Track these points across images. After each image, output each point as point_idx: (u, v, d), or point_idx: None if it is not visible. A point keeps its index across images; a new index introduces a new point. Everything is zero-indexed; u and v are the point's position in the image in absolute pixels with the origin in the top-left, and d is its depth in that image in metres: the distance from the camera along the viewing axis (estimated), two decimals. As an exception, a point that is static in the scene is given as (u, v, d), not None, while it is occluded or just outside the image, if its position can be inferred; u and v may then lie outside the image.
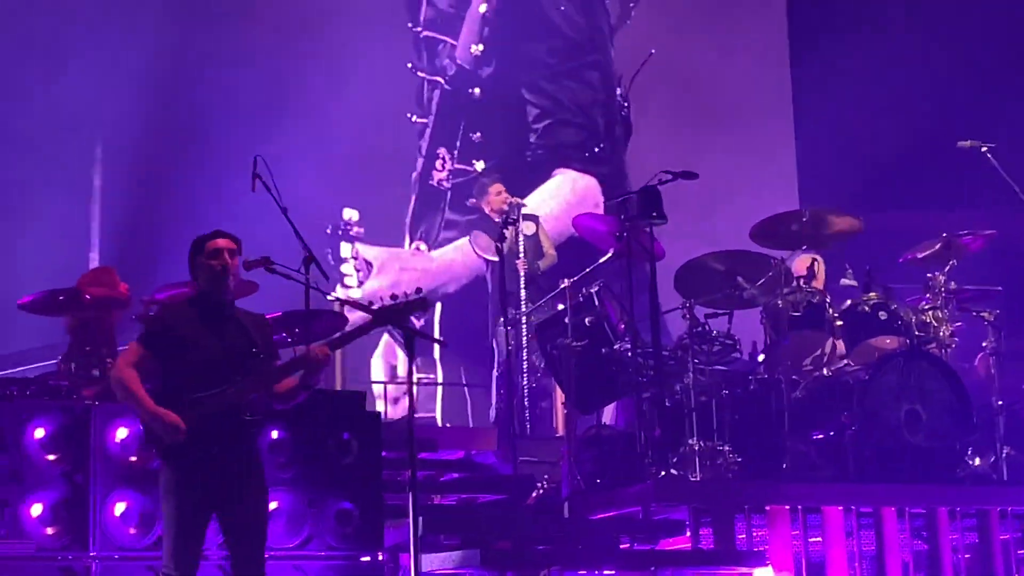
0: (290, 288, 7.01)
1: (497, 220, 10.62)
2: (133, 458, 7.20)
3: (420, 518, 6.66)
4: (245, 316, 6.49)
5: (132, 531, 7.13)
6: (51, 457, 7.16)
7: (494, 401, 10.85)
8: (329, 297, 7.46)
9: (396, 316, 6.46)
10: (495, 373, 10.82)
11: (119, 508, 7.13)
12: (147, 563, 7.10)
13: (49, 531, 7.09)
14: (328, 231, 12.31)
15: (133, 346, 6.45)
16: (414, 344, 6.55)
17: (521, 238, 10.74)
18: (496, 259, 10.47)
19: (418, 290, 6.51)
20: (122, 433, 7.19)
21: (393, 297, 6.47)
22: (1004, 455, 8.78)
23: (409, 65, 13.09)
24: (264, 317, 6.66)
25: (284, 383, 6.43)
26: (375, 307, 6.50)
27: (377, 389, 11.81)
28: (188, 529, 6.19)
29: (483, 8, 13.10)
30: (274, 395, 6.42)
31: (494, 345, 10.78)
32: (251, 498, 6.31)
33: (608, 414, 10.10)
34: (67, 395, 7.68)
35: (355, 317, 8.22)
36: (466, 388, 12.18)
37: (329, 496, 7.46)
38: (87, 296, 8.44)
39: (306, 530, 7.38)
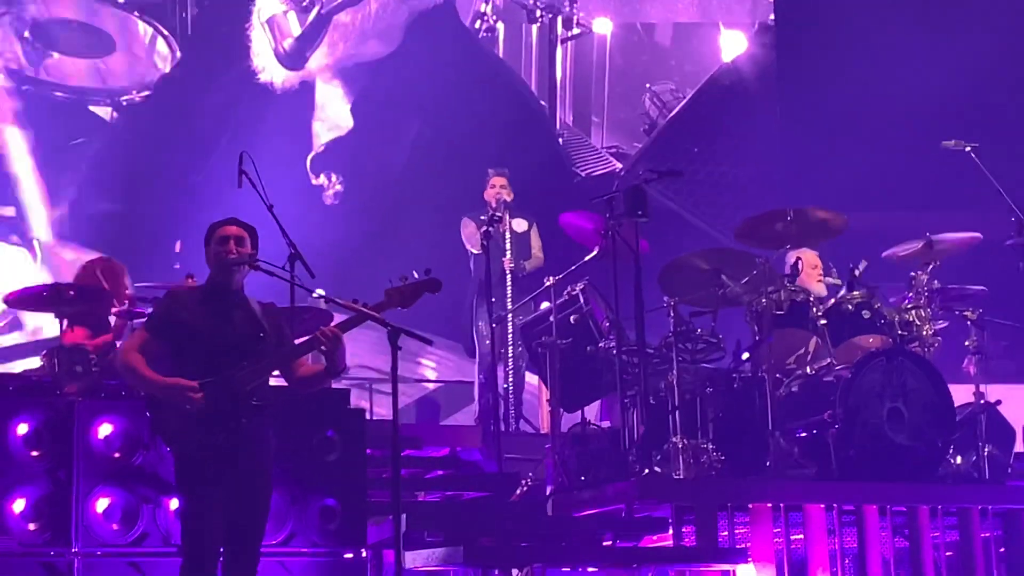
0: (275, 285, 7.03)
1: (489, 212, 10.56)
2: (116, 454, 7.21)
3: (403, 515, 6.68)
4: (254, 304, 6.51)
5: (115, 527, 7.14)
6: (34, 453, 7.17)
7: (477, 398, 10.84)
8: (314, 295, 7.45)
9: (407, 297, 6.44)
10: (477, 370, 10.81)
11: (101, 504, 7.14)
12: (129, 559, 7.12)
13: (31, 527, 7.10)
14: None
15: (139, 332, 6.52)
16: (397, 341, 6.53)
17: (508, 235, 10.71)
18: (478, 252, 10.43)
19: (427, 271, 6.49)
20: (105, 429, 7.20)
21: (403, 279, 6.45)
22: (985, 454, 8.82)
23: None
24: (274, 305, 6.66)
25: (306, 369, 6.49)
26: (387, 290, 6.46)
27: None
28: (202, 522, 6.23)
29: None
30: (297, 380, 6.47)
31: (475, 342, 10.76)
32: (256, 490, 6.36)
33: (592, 412, 10.12)
34: (50, 391, 7.68)
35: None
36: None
37: (312, 493, 7.47)
38: (70, 292, 8.45)
39: (289, 527, 7.39)
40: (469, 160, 11.32)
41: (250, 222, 6.60)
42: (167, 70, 13.00)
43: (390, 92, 13.24)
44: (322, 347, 6.34)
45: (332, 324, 6.49)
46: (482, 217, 10.54)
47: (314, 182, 13.11)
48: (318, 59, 13.25)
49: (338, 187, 13.13)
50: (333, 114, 13.30)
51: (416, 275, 6.45)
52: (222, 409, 6.24)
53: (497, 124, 12.96)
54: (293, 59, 13.30)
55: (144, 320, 6.80)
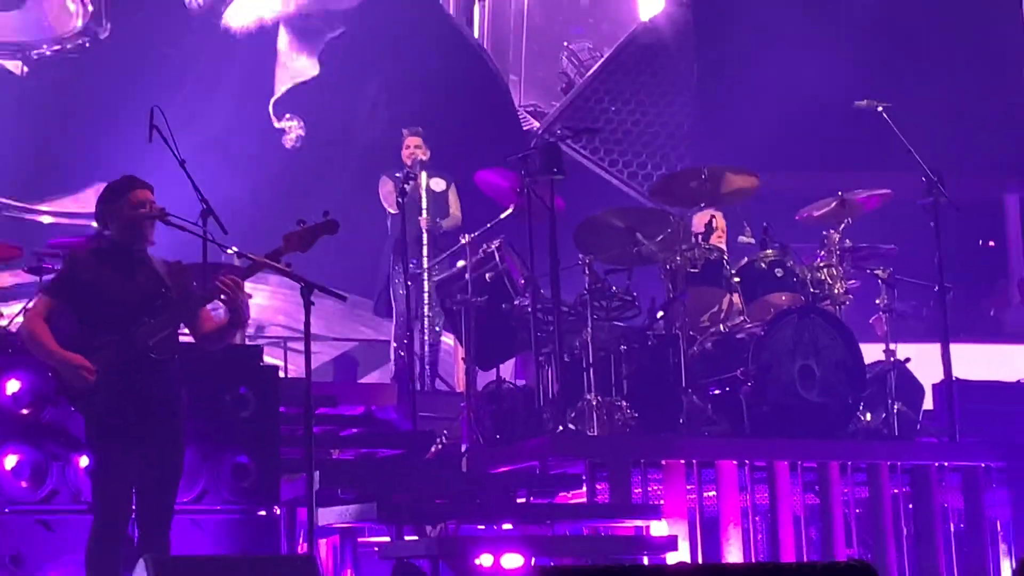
0: (188, 241, 6.97)
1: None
2: (25, 411, 7.10)
3: (317, 472, 6.65)
4: (157, 262, 6.50)
5: (23, 484, 7.03)
6: (-60, 411, 7.05)
7: (393, 357, 10.82)
8: (228, 251, 7.38)
9: (305, 241, 6.42)
10: (393, 329, 10.79)
11: (10, 462, 7.03)
12: (39, 516, 7.03)
13: (-62, 485, 6.99)
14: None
15: (42, 298, 6.45)
16: (311, 297, 6.50)
17: (424, 194, 10.68)
18: (394, 211, 10.41)
19: (325, 213, 6.48)
20: (13, 386, 7.08)
21: (300, 223, 6.44)
22: (895, 411, 8.95)
23: None
24: (179, 263, 6.65)
25: (210, 323, 6.46)
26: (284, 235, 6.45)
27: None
28: (113, 480, 6.21)
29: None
30: (203, 336, 6.47)
31: (391, 301, 10.74)
32: (167, 447, 6.36)
33: (508, 370, 10.14)
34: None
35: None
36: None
37: (225, 450, 7.40)
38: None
39: (201, 484, 7.32)
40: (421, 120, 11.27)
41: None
42: (79, 24, 12.80)
43: (353, 45, 13.20)
44: (222, 296, 6.33)
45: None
46: (398, 175, 10.51)
47: (276, 125, 13.05)
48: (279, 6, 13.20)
49: (300, 132, 13.07)
50: (295, 61, 13.23)
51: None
52: (124, 367, 6.22)
53: (452, 83, 12.92)
54: (206, 13, 13.15)
55: (48, 282, 6.74)
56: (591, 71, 14.12)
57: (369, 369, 12.38)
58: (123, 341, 6.25)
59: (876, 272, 9.33)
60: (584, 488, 8.20)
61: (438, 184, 10.85)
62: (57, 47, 12.78)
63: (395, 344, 10.78)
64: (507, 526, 7.97)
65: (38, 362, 6.99)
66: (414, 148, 10.77)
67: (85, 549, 6.28)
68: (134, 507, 6.33)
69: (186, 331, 6.58)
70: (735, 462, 8.28)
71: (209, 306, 6.62)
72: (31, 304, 6.68)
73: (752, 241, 9.42)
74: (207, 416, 7.33)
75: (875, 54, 12.73)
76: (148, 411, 6.28)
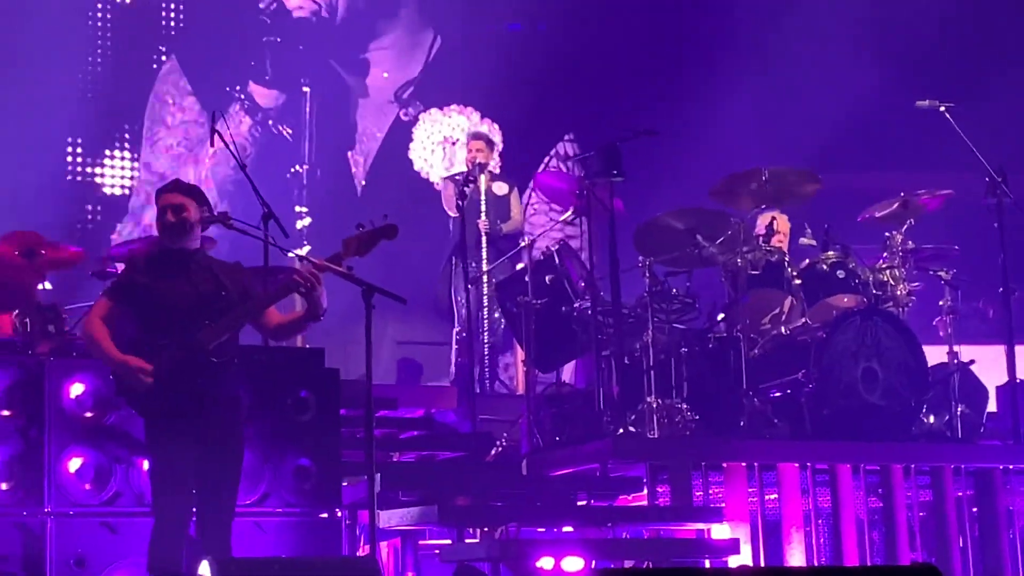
0: (249, 245, 7.01)
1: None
2: (88, 414, 7.17)
3: (378, 475, 6.67)
4: (215, 263, 6.54)
5: (87, 487, 7.11)
6: (5, 412, 7.11)
7: (453, 359, 10.84)
8: (289, 254, 7.42)
9: (364, 244, 6.43)
10: (455, 331, 10.80)
11: (74, 464, 7.11)
12: (102, 519, 7.10)
13: (3, 487, 7.04)
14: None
15: (102, 300, 6.53)
16: (371, 299, 6.51)
17: (483, 197, 10.69)
18: (455, 215, 10.44)
19: (385, 216, 6.48)
20: (77, 389, 7.16)
21: (359, 226, 6.44)
22: (958, 413, 8.86)
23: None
24: (238, 264, 6.68)
25: (280, 316, 6.51)
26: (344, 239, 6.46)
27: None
28: (172, 482, 6.25)
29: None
30: (273, 330, 6.52)
31: (453, 302, 10.75)
32: (227, 449, 6.39)
33: (567, 372, 10.13)
34: (22, 350, 7.64)
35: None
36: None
37: (287, 453, 7.45)
38: (41, 251, 8.41)
39: (263, 486, 7.37)
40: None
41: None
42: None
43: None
44: (301, 289, 6.35)
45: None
46: (457, 178, 10.54)
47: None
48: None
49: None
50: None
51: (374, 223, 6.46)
52: (183, 369, 6.26)
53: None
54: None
55: (108, 285, 6.81)
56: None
57: (434, 371, 12.39)
58: (182, 343, 6.29)
59: (939, 273, 9.27)
60: (645, 491, 8.18)
61: (500, 188, 10.87)
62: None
63: (455, 346, 10.79)
64: (567, 529, 7.98)
65: (101, 365, 7.07)
66: (475, 151, 10.79)
67: (147, 551, 6.32)
68: (195, 509, 6.37)
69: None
70: (797, 465, 8.23)
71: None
72: (93, 305, 6.73)
73: (813, 243, 9.36)
74: (268, 419, 7.38)
75: (936, 53, 12.60)
76: (207, 413, 6.31)
